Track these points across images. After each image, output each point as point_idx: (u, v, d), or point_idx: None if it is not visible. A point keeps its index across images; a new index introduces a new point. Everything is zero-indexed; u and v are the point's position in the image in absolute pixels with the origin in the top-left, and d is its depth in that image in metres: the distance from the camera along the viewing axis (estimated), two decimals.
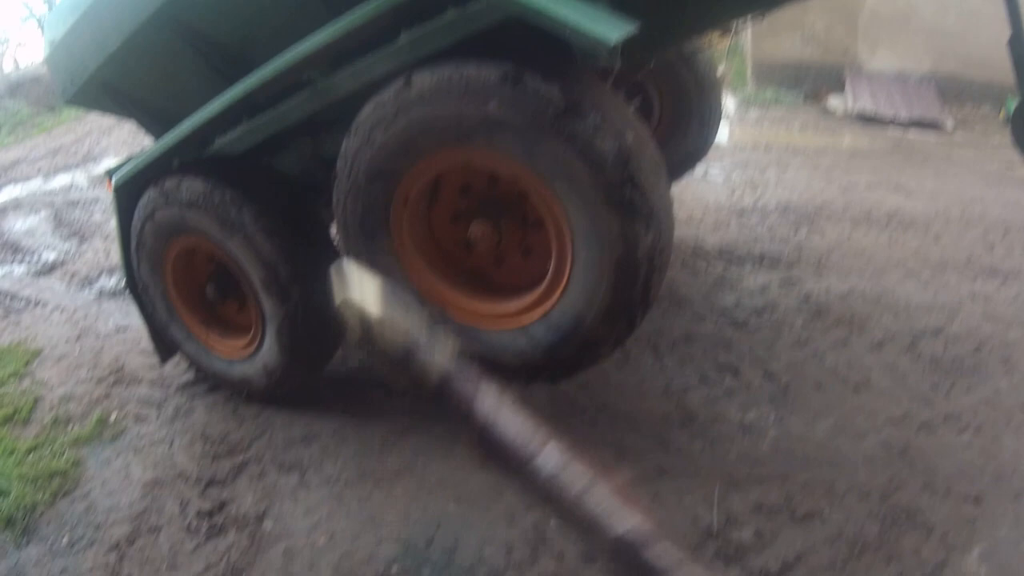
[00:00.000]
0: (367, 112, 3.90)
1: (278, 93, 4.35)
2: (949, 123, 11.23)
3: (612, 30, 3.27)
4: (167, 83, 5.22)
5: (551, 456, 1.75)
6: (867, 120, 11.15)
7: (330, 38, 3.92)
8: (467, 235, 4.09)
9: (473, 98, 3.57)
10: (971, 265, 6.65)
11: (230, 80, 4.73)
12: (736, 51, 13.69)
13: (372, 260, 4.19)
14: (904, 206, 7.91)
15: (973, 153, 10.21)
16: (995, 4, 4.64)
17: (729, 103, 7.75)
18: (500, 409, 1.82)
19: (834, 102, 11.93)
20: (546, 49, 3.50)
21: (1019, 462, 4.41)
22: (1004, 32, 4.51)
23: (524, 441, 1.75)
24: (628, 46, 3.29)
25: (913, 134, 10.72)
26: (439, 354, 1.91)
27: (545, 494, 1.78)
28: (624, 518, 1.73)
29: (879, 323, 5.70)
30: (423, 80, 3.68)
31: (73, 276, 8.18)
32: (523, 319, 4.01)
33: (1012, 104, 4.65)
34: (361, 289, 1.90)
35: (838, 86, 12.12)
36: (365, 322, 1.87)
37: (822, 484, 4.28)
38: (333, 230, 4.77)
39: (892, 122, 11.07)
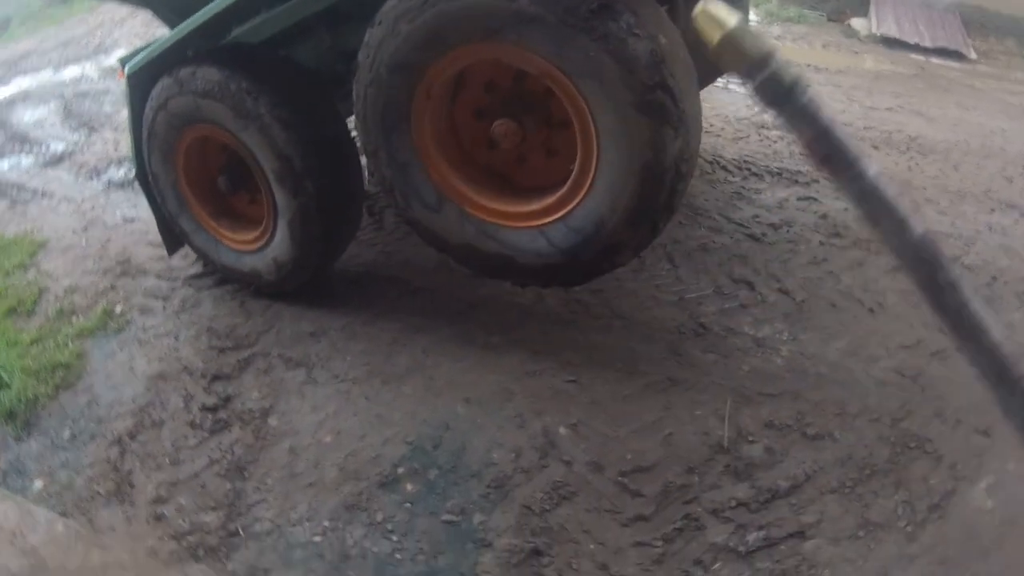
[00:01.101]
0: (393, 2, 3.80)
1: None
2: (972, 54, 11.10)
3: None
4: None
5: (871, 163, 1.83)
6: (890, 44, 11.01)
7: None
8: (490, 133, 4.01)
9: None
10: (989, 197, 6.58)
11: None
12: None
13: (391, 154, 4.13)
14: (925, 132, 7.81)
15: (995, 85, 10.08)
16: None
17: (752, 17, 7.60)
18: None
19: (857, 23, 11.77)
20: None
21: None
22: None
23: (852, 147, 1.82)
24: None
25: (936, 61, 10.58)
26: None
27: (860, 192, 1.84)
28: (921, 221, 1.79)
29: None
30: None
31: (81, 167, 8.10)
32: (543, 220, 3.97)
33: None
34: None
35: (862, 8, 11.94)
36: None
37: (834, 405, 4.25)
38: (350, 123, 4.71)
39: (915, 47, 10.93)
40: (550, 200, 3.95)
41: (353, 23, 4.39)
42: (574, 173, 3.82)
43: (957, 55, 10.87)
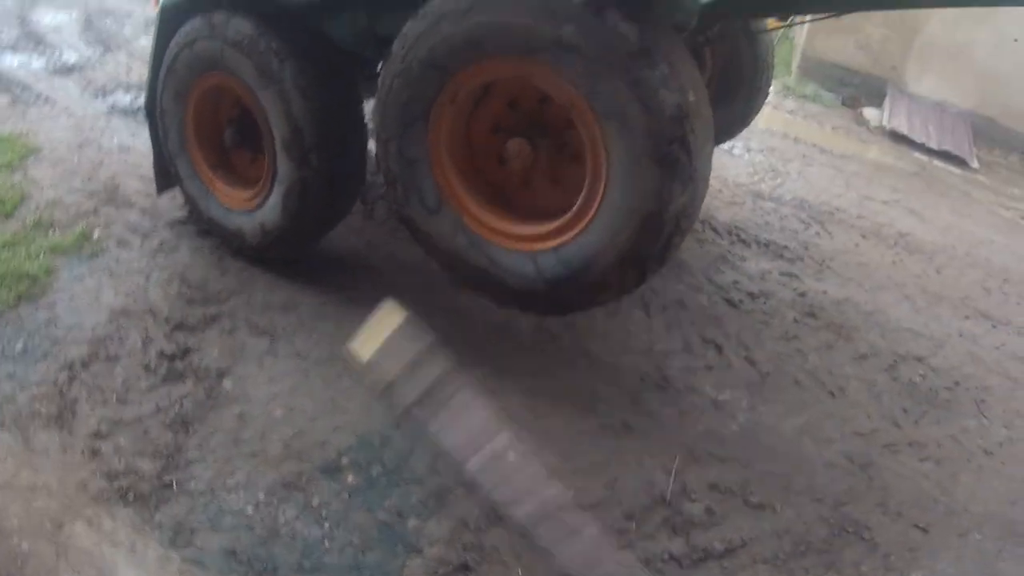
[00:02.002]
0: (439, 0, 3.82)
1: None
2: (975, 162, 11.20)
3: None
4: None
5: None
6: (897, 139, 11.11)
7: None
8: (503, 149, 4.04)
9: (552, 16, 3.52)
10: (966, 304, 6.67)
11: None
12: (787, 39, 13.59)
13: (402, 148, 4.15)
14: (915, 230, 7.90)
15: (992, 196, 10.19)
16: None
17: (770, 89, 7.75)
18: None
19: (869, 113, 11.86)
20: None
21: (972, 502, 4.46)
22: None
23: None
24: (710, 7, 3.26)
25: (938, 163, 10.68)
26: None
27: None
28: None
29: (866, 337, 5.71)
30: None
31: (89, 83, 8.06)
32: (535, 245, 3.99)
33: None
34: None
35: (877, 99, 12.05)
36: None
37: (780, 478, 4.31)
38: (367, 108, 4.71)
39: (921, 147, 11.03)
40: (547, 228, 3.98)
41: (394, 10, 4.40)
42: (576, 207, 3.85)
43: (960, 161, 10.97)
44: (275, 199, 4.84)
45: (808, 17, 6.85)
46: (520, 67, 3.75)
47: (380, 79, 4.14)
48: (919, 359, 5.62)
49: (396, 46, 4.01)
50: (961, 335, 6.10)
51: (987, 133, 11.95)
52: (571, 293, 3.97)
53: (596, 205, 3.74)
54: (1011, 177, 11.15)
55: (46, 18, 9.75)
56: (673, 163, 3.51)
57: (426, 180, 4.17)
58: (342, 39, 4.83)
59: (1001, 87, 11.71)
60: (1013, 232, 8.97)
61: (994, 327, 6.38)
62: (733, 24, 6.36)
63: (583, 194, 3.81)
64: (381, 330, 2.75)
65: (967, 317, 6.43)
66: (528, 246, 4.01)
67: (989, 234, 8.54)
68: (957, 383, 5.46)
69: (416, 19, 3.91)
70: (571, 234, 3.86)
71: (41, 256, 5.13)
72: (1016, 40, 11.28)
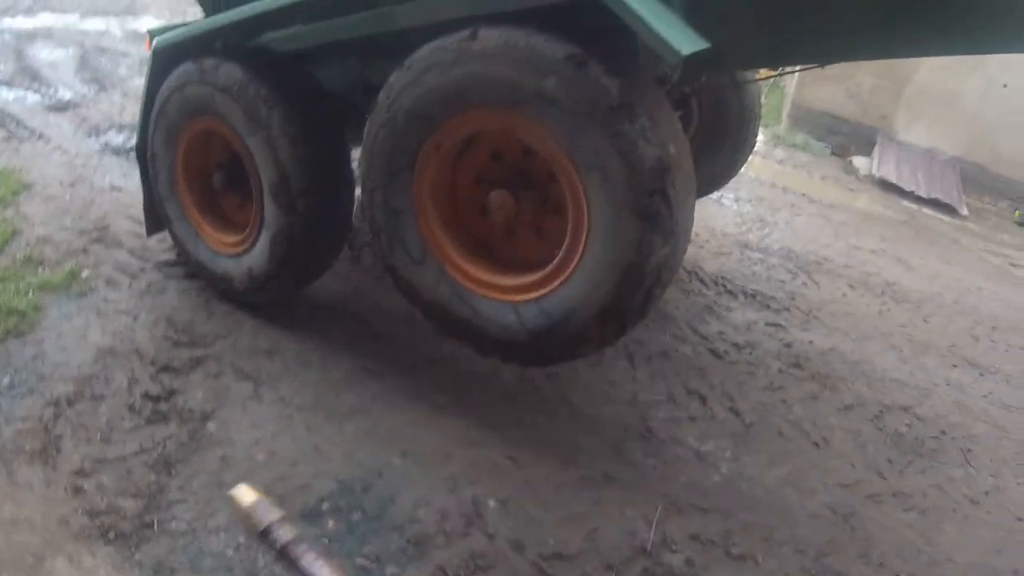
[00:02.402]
0: (425, 52, 3.86)
1: (339, 5, 4.32)
2: (964, 210, 11.26)
3: (686, 41, 3.27)
4: None
5: None
6: (886, 187, 11.16)
7: None
8: (486, 200, 4.06)
9: (534, 69, 3.55)
10: (953, 352, 6.69)
11: None
12: (777, 88, 13.67)
13: (387, 198, 4.18)
14: (902, 279, 7.93)
15: (980, 244, 10.24)
16: None
17: (758, 137, 7.78)
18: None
19: (859, 162, 11.93)
20: (615, 38, 3.49)
21: (956, 552, 4.46)
22: None
23: None
24: (691, 61, 3.29)
25: (927, 211, 10.74)
26: None
27: None
28: None
29: (852, 387, 5.73)
30: (489, 37, 3.66)
31: (83, 121, 8.11)
32: (518, 296, 4.01)
33: None
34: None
35: (867, 148, 12.12)
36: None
37: (763, 529, 4.31)
38: (354, 155, 4.74)
39: (910, 195, 11.09)
40: (529, 279, 3.99)
41: (385, 59, 4.44)
42: (558, 259, 3.87)
43: (949, 209, 11.02)
44: (262, 244, 4.86)
45: (796, 67, 6.86)
46: (503, 119, 3.78)
47: (366, 128, 4.17)
48: (905, 409, 5.63)
49: (382, 96, 4.05)
50: (948, 384, 6.12)
51: (977, 180, 12.01)
52: (552, 344, 3.98)
53: (578, 257, 3.76)
54: (1000, 224, 11.21)
55: (43, 53, 9.82)
56: (654, 216, 3.52)
57: (410, 230, 4.19)
58: (332, 86, 4.87)
59: (991, 134, 11.78)
60: (1002, 279, 9.01)
61: (982, 375, 6.40)
62: (719, 75, 6.40)
63: (565, 246, 3.83)
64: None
65: (954, 366, 6.45)
66: (510, 297, 4.03)
67: (977, 281, 8.58)
68: (943, 432, 5.47)
69: (402, 70, 3.95)
70: (553, 286, 3.88)
71: (30, 293, 5.15)
72: (1006, 86, 11.36)
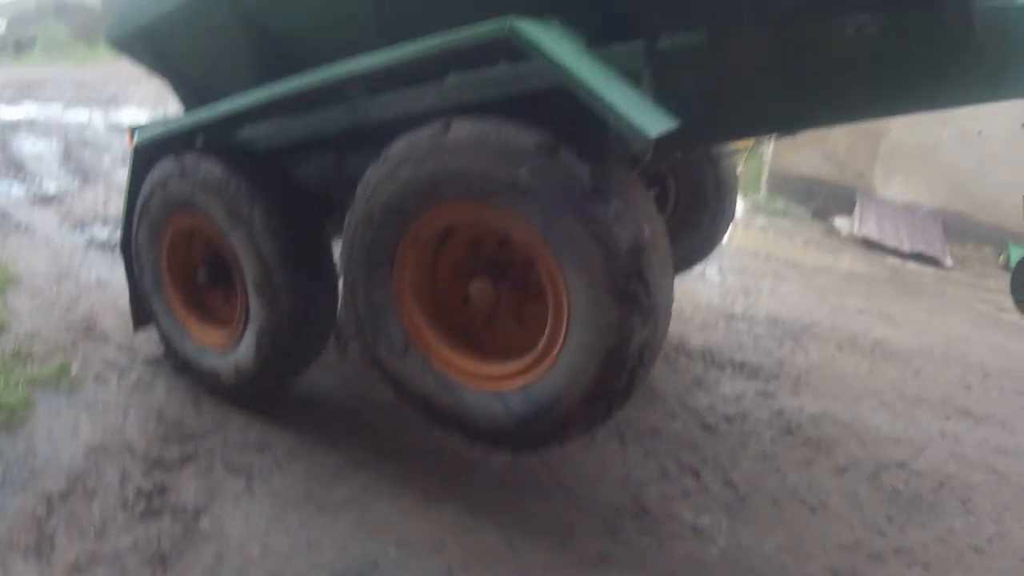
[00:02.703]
0: (399, 146, 3.91)
1: (316, 101, 4.38)
2: (948, 260, 11.34)
3: (653, 123, 3.31)
4: (211, 57, 5.29)
5: None
6: (869, 245, 11.25)
7: (380, 64, 3.96)
8: (467, 290, 4.09)
9: (506, 159, 3.59)
10: (945, 404, 6.70)
11: (272, 73, 4.77)
12: (755, 156, 13.81)
13: (368, 291, 4.21)
14: (890, 336, 7.95)
15: (967, 292, 10.30)
16: (1012, 152, 4.71)
17: (739, 206, 7.86)
18: None
19: (840, 222, 12.05)
20: (584, 123, 3.53)
21: None
22: (1017, 178, 4.58)
23: None
24: (661, 139, 3.32)
25: (912, 266, 10.83)
26: None
27: None
28: None
29: (846, 449, 5.72)
30: (461, 129, 3.70)
31: (68, 214, 8.19)
32: (503, 385, 4.01)
33: (1015, 253, 4.73)
34: None
35: (847, 207, 12.24)
36: None
37: None
38: (335, 246, 4.78)
39: (893, 251, 11.17)
40: (513, 367, 4.00)
41: (361, 154, 4.50)
42: (540, 345, 3.88)
43: (933, 261, 11.12)
44: (248, 340, 4.88)
45: (770, 136, 6.94)
46: (479, 210, 3.81)
47: (346, 222, 4.20)
48: (901, 465, 5.61)
49: (359, 190, 4.08)
50: (943, 435, 6.12)
51: (958, 228, 12.11)
52: (540, 430, 3.97)
53: (560, 343, 3.77)
54: (985, 270, 11.28)
55: (27, 145, 9.94)
56: (632, 298, 3.53)
57: (393, 322, 4.21)
58: (311, 180, 4.92)
59: (968, 181, 11.90)
60: (990, 326, 9.05)
61: (976, 423, 6.40)
62: (694, 151, 6.45)
63: (546, 332, 3.84)
64: None
65: (948, 416, 6.45)
66: (495, 385, 4.03)
67: (966, 330, 8.62)
68: (941, 484, 5.45)
69: (377, 164, 3.99)
70: (537, 373, 3.88)
71: (20, 387, 5.19)
72: (980, 133, 11.47)
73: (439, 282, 4.29)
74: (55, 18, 18.79)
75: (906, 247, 11.26)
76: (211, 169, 4.69)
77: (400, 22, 4.36)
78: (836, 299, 8.85)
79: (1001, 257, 11.75)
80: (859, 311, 8.54)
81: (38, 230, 7.65)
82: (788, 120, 4.38)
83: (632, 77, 3.70)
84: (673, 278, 3.90)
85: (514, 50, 3.56)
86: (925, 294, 9.87)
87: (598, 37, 3.80)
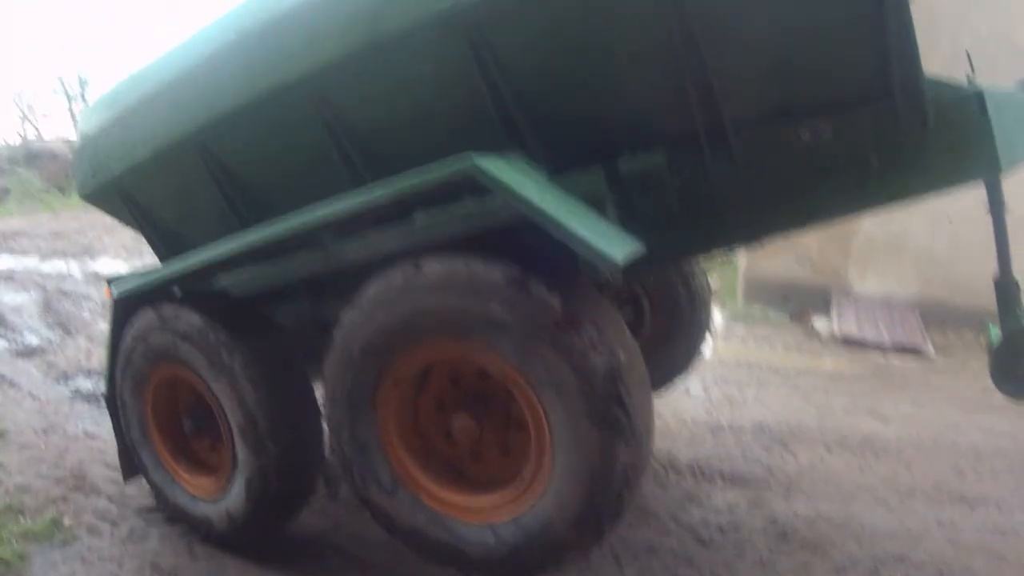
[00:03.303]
0: (372, 288, 3.97)
1: (288, 247, 4.44)
2: (930, 348, 11.39)
3: (620, 248, 3.39)
4: (182, 206, 5.38)
5: None
6: (850, 343, 11.31)
7: (348, 207, 4.03)
8: (449, 425, 4.12)
9: (477, 295, 3.65)
10: (939, 491, 6.69)
11: (243, 219, 4.87)
12: (730, 265, 13.95)
13: (353, 432, 4.23)
14: (878, 432, 7.97)
15: (951, 379, 10.33)
16: (983, 233, 4.79)
17: (716, 317, 7.93)
18: None
19: (819, 323, 12.10)
20: (552, 253, 3.60)
21: None
22: (991, 259, 4.65)
23: None
24: (631, 262, 3.39)
25: (894, 359, 10.85)
26: None
27: None
28: None
29: (843, 548, 5.70)
30: (431, 268, 3.77)
31: (51, 367, 8.21)
32: (493, 516, 4.02)
33: (994, 334, 4.79)
34: None
35: (824, 307, 12.33)
36: None
37: None
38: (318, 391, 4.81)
39: (875, 346, 11.22)
40: (501, 497, 4.01)
41: (333, 297, 4.58)
42: (527, 475, 3.91)
43: (915, 351, 11.15)
44: (238, 486, 4.87)
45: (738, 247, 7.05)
46: (455, 347, 3.87)
47: (325, 366, 4.24)
48: (899, 559, 5.59)
49: (336, 334, 4.13)
50: (939, 523, 6.10)
51: (937, 315, 12.16)
52: (533, 557, 3.96)
53: (546, 471, 3.79)
54: (967, 354, 11.30)
55: (6, 297, 10.01)
56: (613, 423, 3.57)
57: (379, 461, 4.23)
58: (289, 324, 4.98)
59: (943, 267, 11.99)
60: (978, 410, 9.05)
61: (972, 508, 6.39)
62: (664, 269, 6.54)
63: (532, 461, 3.87)
64: None
65: (943, 504, 6.44)
66: (486, 518, 4.04)
67: (954, 417, 8.63)
68: (941, 572, 5.41)
69: (351, 308, 4.04)
70: (526, 502, 3.90)
71: (14, 542, 5.18)
72: (951, 222, 11.62)
73: (423, 419, 4.32)
74: (26, 167, 19.00)
75: (887, 341, 11.31)
76: (190, 320, 4.75)
77: (364, 162, 4.49)
78: (821, 400, 8.87)
79: (982, 339, 11.82)
80: (845, 410, 8.57)
81: (22, 383, 7.67)
82: (755, 230, 4.48)
83: (596, 203, 3.79)
84: (652, 398, 3.93)
85: (478, 185, 3.65)
86: (910, 386, 9.90)
87: (559, 166, 3.91)
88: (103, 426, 6.57)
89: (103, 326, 6.25)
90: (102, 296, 10.26)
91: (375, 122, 4.44)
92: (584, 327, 3.56)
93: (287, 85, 4.46)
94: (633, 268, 3.60)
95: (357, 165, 4.55)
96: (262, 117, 4.66)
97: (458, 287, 3.69)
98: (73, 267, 11.67)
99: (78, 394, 7.67)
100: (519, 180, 3.61)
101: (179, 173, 5.17)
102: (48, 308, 9.98)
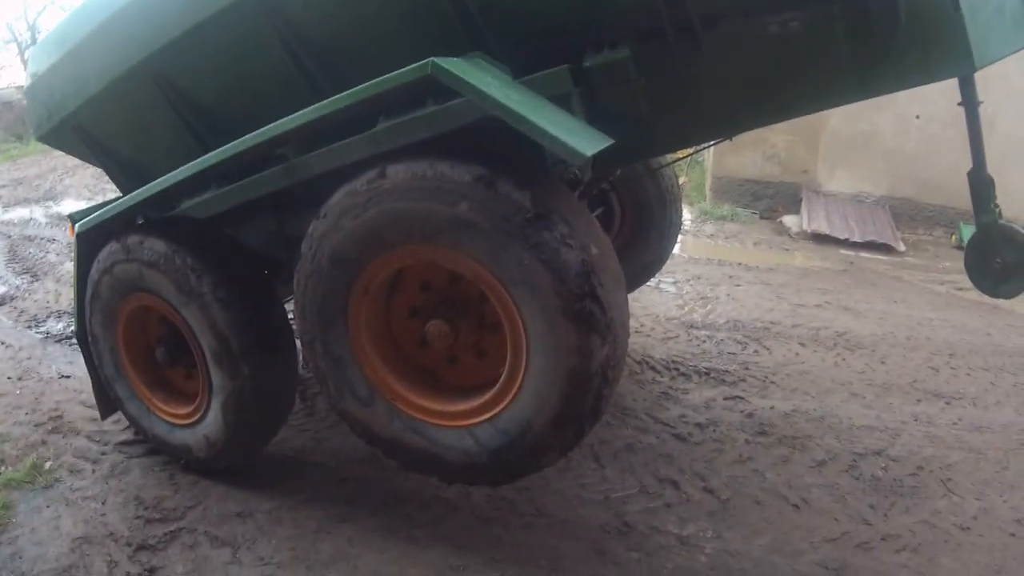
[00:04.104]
0: (338, 198, 3.92)
1: (250, 164, 4.38)
2: (901, 246, 11.44)
3: (587, 142, 3.34)
4: (141, 136, 5.28)
5: None
6: (821, 240, 11.34)
7: (308, 118, 3.97)
8: (423, 332, 4.08)
9: (445, 197, 3.60)
10: (915, 388, 6.76)
11: (204, 144, 4.79)
12: (697, 164, 13.93)
13: (326, 345, 4.20)
14: (852, 327, 8.02)
15: (923, 276, 10.40)
16: (954, 130, 4.78)
17: (686, 215, 7.93)
18: None
19: (789, 221, 12.14)
20: (519, 152, 3.56)
21: None
22: (961, 158, 4.63)
23: None
24: (599, 157, 3.35)
25: (865, 255, 10.91)
26: None
27: None
28: None
29: (821, 443, 5.75)
30: (397, 173, 3.72)
31: (21, 313, 8.14)
32: (471, 420, 4.00)
33: (966, 232, 4.79)
34: None
35: (794, 206, 12.35)
36: None
37: None
38: (289, 307, 4.78)
39: (846, 243, 11.26)
40: (479, 401, 3.99)
41: (299, 211, 4.52)
42: (503, 376, 3.88)
43: (886, 248, 11.20)
44: (215, 411, 4.86)
45: (706, 144, 7.01)
46: (424, 251, 3.82)
47: (295, 280, 4.20)
48: (878, 453, 5.66)
49: (304, 246, 4.09)
50: (916, 419, 6.17)
51: (908, 213, 12.24)
52: (514, 460, 3.97)
53: (522, 371, 3.77)
54: (939, 252, 11.39)
55: None
56: (588, 318, 3.55)
57: (355, 373, 4.20)
58: (255, 244, 4.93)
59: (912, 165, 12.04)
60: (951, 306, 9.14)
61: (948, 404, 6.47)
62: (631, 165, 6.50)
63: (508, 362, 3.84)
64: None
65: (919, 400, 6.52)
66: (464, 421, 4.02)
67: (926, 313, 8.70)
68: (920, 468, 5.50)
69: (319, 219, 4.00)
70: (504, 403, 3.88)
71: None
72: (918, 117, 11.62)
73: (395, 327, 4.29)
74: None
75: (858, 237, 11.35)
76: (155, 247, 4.68)
77: (323, 77, 4.42)
78: (794, 296, 8.91)
79: (953, 237, 11.88)
80: (818, 306, 8.62)
81: None
82: (722, 125, 4.44)
83: (562, 101, 3.74)
84: (626, 293, 3.91)
85: (440, 88, 3.59)
86: (882, 282, 9.96)
87: (523, 67, 3.86)
88: (77, 366, 6.54)
89: (70, 267, 6.19)
90: (67, 238, 10.17)
91: (333, 32, 4.36)
92: (555, 223, 3.53)
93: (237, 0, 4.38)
94: (602, 164, 3.57)
95: (317, 79, 4.47)
96: (215, 36, 4.56)
97: (425, 190, 3.64)
98: (36, 212, 11.55)
99: (50, 337, 7.60)
100: (481, 78, 3.56)
101: (136, 103, 5.07)
102: (14, 256, 9.88)
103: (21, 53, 35.49)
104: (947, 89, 4.13)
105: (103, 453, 5.59)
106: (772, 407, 6.21)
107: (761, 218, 12.32)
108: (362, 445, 4.55)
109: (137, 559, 4.57)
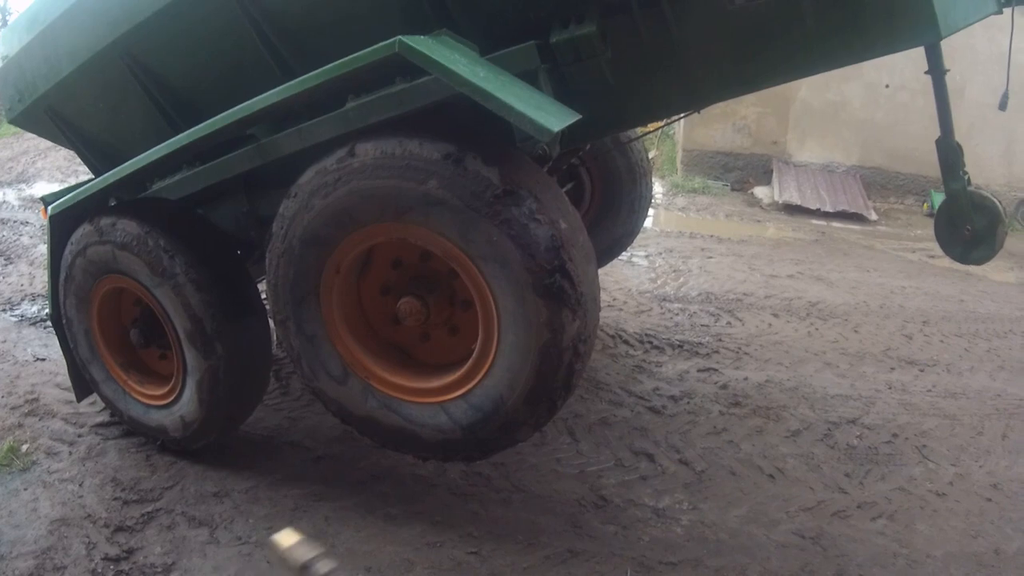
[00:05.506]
0: (308, 177, 3.92)
1: (221, 145, 4.39)
2: (872, 215, 11.49)
3: (555, 118, 3.34)
4: (113, 118, 5.27)
5: None
6: (792, 211, 11.38)
7: (278, 97, 3.95)
8: (395, 309, 4.09)
9: (414, 174, 3.61)
10: (889, 355, 6.81)
11: (175, 125, 4.79)
12: (668, 137, 13.94)
13: (299, 324, 4.21)
14: (825, 297, 8.07)
15: (895, 244, 10.46)
16: (924, 99, 4.81)
17: (657, 189, 7.95)
18: None
19: (761, 192, 12.19)
20: (488, 129, 3.58)
21: (932, 548, 4.52)
22: (930, 127, 4.65)
23: None
24: (568, 132, 3.36)
25: (837, 225, 10.96)
26: None
27: None
28: None
29: (795, 413, 5.80)
30: (366, 151, 3.73)
31: None
32: (444, 396, 4.03)
33: (938, 199, 4.82)
34: None
35: (765, 177, 12.39)
36: None
37: (734, 570, 4.33)
38: (261, 287, 4.78)
39: (817, 213, 11.31)
40: (452, 377, 4.01)
41: (270, 191, 4.53)
42: (475, 352, 3.90)
43: (858, 217, 11.27)
44: (190, 391, 4.86)
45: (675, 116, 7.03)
46: (394, 229, 3.83)
47: (267, 260, 4.21)
48: (852, 421, 5.71)
49: (275, 226, 4.10)
50: (890, 387, 6.23)
51: (878, 182, 12.31)
52: (488, 436, 3.99)
53: (494, 347, 3.79)
54: (911, 220, 11.45)
55: None
56: (558, 293, 3.57)
57: (328, 352, 4.22)
58: (227, 223, 4.92)
59: (882, 134, 12.10)
60: (922, 274, 9.20)
61: (922, 371, 6.53)
62: (600, 139, 6.51)
63: (480, 338, 3.87)
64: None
65: (893, 368, 6.57)
66: (438, 398, 4.05)
67: (899, 281, 8.76)
68: (895, 435, 5.55)
69: (289, 198, 4.00)
70: (476, 379, 3.90)
71: None
72: (887, 86, 11.66)
73: (368, 305, 4.31)
74: None
75: (829, 207, 11.41)
76: (127, 228, 4.67)
77: (293, 57, 4.42)
78: (766, 267, 8.96)
79: (925, 205, 11.97)
80: (790, 276, 8.66)
81: None
82: (692, 97, 4.45)
83: (529, 77, 3.75)
84: (596, 267, 3.93)
85: (408, 66, 3.59)
86: (854, 251, 10.02)
87: (491, 44, 3.86)
88: (52, 348, 6.53)
89: (43, 249, 6.16)
90: (39, 219, 10.12)
91: (301, 12, 4.36)
92: (523, 198, 3.54)
93: None
94: (570, 139, 3.57)
95: (286, 59, 4.47)
96: (185, 16, 4.56)
97: (394, 168, 3.65)
98: (9, 195, 11.47)
99: (24, 320, 7.57)
100: (448, 56, 3.56)
101: (107, 84, 5.07)
102: None
103: None
104: (915, 58, 4.15)
105: (79, 435, 5.58)
106: (746, 378, 6.25)
107: (732, 190, 12.36)
108: (337, 423, 4.57)
109: (115, 540, 4.58)
